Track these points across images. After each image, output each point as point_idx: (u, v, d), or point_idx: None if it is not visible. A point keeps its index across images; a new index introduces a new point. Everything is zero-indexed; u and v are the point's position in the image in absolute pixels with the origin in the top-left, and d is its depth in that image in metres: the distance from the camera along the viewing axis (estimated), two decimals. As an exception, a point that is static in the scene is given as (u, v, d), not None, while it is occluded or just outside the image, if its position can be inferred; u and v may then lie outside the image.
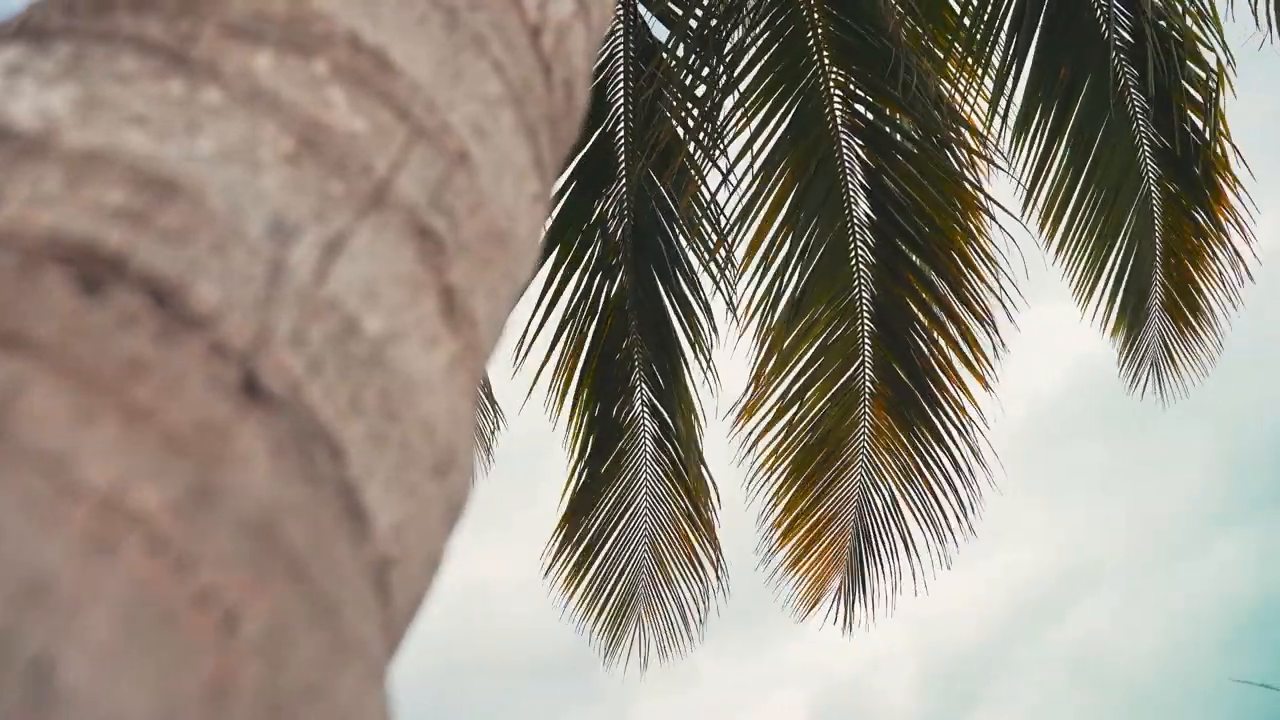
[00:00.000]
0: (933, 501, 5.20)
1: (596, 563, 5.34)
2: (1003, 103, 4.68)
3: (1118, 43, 4.48)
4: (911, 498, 5.25)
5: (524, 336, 5.06)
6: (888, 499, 5.27)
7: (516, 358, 5.06)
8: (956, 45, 4.70)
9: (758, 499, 5.45)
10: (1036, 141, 4.84)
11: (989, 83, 4.65)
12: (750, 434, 5.19)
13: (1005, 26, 4.62)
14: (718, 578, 5.26)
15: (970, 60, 4.65)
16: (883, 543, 5.39)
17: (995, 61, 4.68)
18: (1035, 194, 4.96)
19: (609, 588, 5.45)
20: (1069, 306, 5.52)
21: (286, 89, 0.60)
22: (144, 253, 0.48)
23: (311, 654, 0.45)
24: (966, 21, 4.57)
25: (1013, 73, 4.66)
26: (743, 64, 4.46)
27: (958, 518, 5.22)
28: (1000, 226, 4.30)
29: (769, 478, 5.32)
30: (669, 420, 5.00)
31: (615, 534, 5.28)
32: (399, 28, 0.69)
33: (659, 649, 5.51)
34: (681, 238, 4.74)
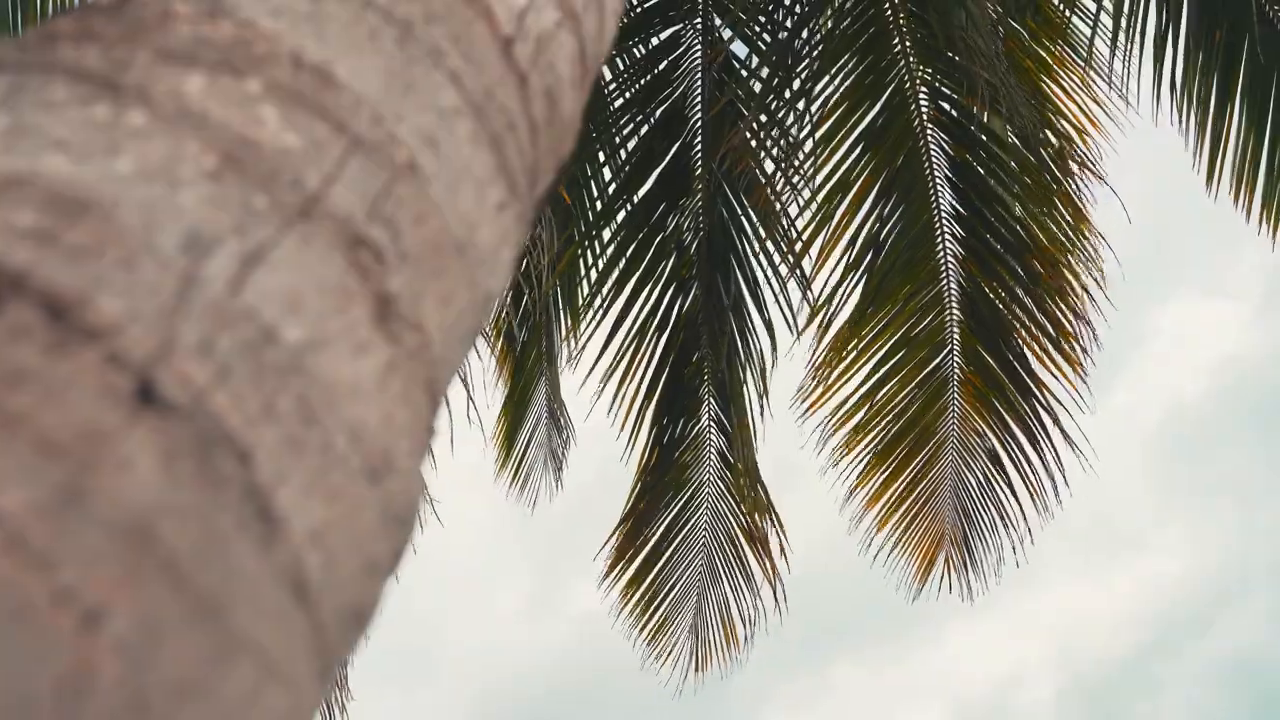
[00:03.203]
0: (1027, 486, 5.20)
1: (664, 580, 5.40)
2: (1165, 75, 4.58)
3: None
4: (1002, 485, 5.27)
5: (618, 353, 5.14)
6: (981, 482, 5.31)
7: (578, 367, 5.16)
8: (1060, 42, 4.62)
9: (847, 494, 5.53)
10: (1207, 111, 4.70)
11: (1106, 66, 4.55)
12: (830, 424, 5.24)
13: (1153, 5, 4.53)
14: (775, 593, 5.28)
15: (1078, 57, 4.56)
16: (982, 526, 5.43)
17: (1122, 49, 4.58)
18: (1218, 163, 4.81)
19: (663, 601, 5.49)
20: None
21: (216, 109, 0.61)
22: (47, 269, 0.50)
23: (188, 652, 0.46)
24: (1105, 15, 4.49)
25: (1169, 45, 4.55)
26: (824, 63, 4.46)
27: (1038, 507, 5.24)
28: (1101, 234, 4.18)
29: (856, 469, 5.37)
30: (730, 433, 5.03)
31: (673, 547, 5.34)
32: (347, 44, 0.71)
33: (716, 663, 5.55)
34: (751, 245, 4.76)
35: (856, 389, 5.11)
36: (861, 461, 5.33)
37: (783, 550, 5.32)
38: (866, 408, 5.17)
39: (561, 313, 5.22)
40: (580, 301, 5.08)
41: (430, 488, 3.92)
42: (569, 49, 0.93)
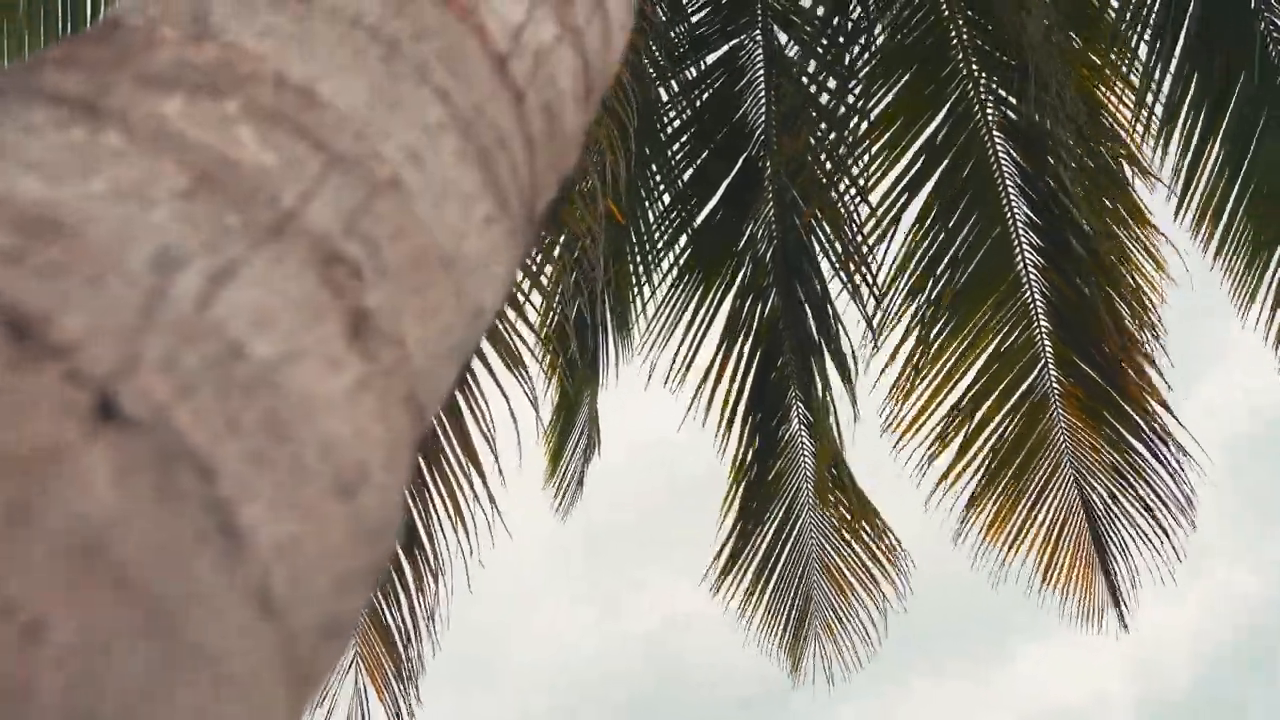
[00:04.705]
0: (1152, 495, 5.10)
1: (770, 583, 5.39)
2: (1153, 101, 4.52)
3: (1274, 34, 4.22)
4: (1130, 495, 5.16)
5: (701, 364, 5.15)
6: (1106, 497, 5.19)
7: (681, 384, 5.16)
8: (1111, 53, 4.56)
9: (952, 511, 5.44)
10: (1190, 139, 4.64)
11: (1131, 81, 4.53)
12: (927, 444, 5.17)
13: (1151, 25, 4.46)
14: (896, 592, 5.22)
15: (1123, 66, 4.50)
16: (1116, 541, 5.32)
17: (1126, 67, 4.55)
18: (1190, 193, 4.74)
19: (781, 608, 5.47)
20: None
21: (193, 130, 0.63)
22: (12, 289, 0.52)
23: (137, 665, 0.46)
24: (1116, 26, 4.44)
25: (1159, 72, 4.49)
26: (883, 71, 4.44)
27: (1184, 509, 5.14)
28: (1161, 233, 4.10)
29: (956, 492, 5.29)
30: (819, 441, 5.01)
31: (782, 554, 5.32)
32: (332, 62, 0.72)
33: (837, 667, 5.50)
34: (827, 253, 4.75)
35: (951, 409, 5.01)
36: (963, 482, 5.23)
37: (891, 553, 5.26)
38: (966, 428, 5.08)
39: (632, 325, 5.24)
40: (647, 314, 5.09)
41: (500, 502, 3.94)
42: (570, 64, 0.93)
